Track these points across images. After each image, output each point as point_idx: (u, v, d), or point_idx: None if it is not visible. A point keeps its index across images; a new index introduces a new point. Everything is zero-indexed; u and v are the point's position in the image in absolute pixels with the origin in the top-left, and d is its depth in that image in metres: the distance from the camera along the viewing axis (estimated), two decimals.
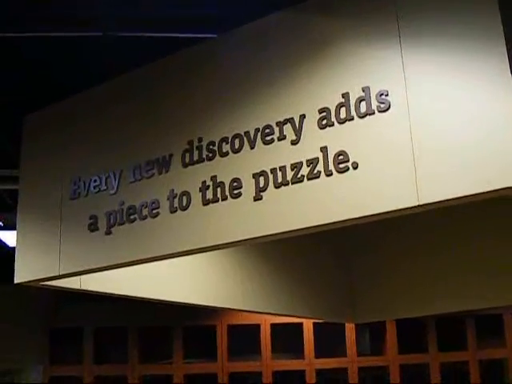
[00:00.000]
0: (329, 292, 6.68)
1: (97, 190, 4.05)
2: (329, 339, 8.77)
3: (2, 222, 6.65)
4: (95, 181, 4.07)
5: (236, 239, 3.44)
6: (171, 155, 3.76)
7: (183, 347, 8.66)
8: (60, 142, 4.41)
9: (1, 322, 9.13)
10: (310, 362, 8.62)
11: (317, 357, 8.65)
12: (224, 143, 3.57)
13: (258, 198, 3.37)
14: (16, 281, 4.44)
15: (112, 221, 3.92)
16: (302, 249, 6.29)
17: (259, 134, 3.46)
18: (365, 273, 7.00)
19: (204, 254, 5.12)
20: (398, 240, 6.93)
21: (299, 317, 6.81)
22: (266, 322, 8.62)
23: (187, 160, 3.69)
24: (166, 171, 3.76)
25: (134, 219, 3.82)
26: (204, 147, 3.64)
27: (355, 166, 3.13)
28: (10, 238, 6.79)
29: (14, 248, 4.64)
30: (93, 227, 4.01)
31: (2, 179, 5.94)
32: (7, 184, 5.98)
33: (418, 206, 2.97)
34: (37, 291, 8.86)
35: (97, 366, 8.65)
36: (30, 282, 4.39)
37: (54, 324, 8.85)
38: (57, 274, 4.18)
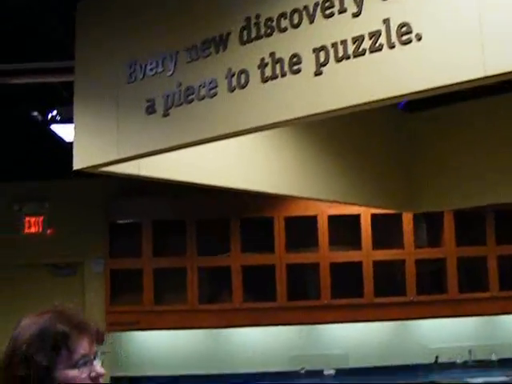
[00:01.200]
0: (387, 180, 6.61)
1: (153, 72, 3.99)
2: (386, 231, 8.74)
3: (59, 116, 6.65)
4: (151, 63, 4.00)
5: (296, 116, 3.39)
6: (228, 33, 3.67)
7: (241, 239, 8.72)
8: (114, 27, 4.35)
9: (61, 217, 9.31)
10: (367, 254, 8.63)
11: (374, 248, 8.65)
12: (282, 19, 3.46)
13: (318, 73, 3.29)
14: (75, 167, 4.46)
15: (169, 102, 3.88)
16: (360, 134, 6.22)
17: (319, 7, 3.34)
18: (424, 161, 6.90)
19: (261, 137, 5.12)
20: (459, 128, 6.79)
21: (357, 204, 6.75)
22: (323, 214, 8.60)
23: (245, 37, 3.60)
24: (224, 50, 3.68)
25: (192, 100, 3.77)
26: (262, 23, 3.54)
27: (419, 38, 3.03)
28: (66, 132, 6.78)
29: (70, 143, 4.65)
30: (150, 110, 3.97)
31: (56, 71, 5.90)
32: (63, 76, 5.95)
33: (485, 77, 2.87)
34: (96, 186, 9.02)
35: (156, 259, 8.78)
36: (88, 167, 4.41)
37: (113, 218, 8.97)
38: (115, 158, 4.18)
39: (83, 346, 2.07)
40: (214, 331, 9.06)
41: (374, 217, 8.57)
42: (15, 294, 8.99)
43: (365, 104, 3.19)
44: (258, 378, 8.81)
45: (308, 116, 3.35)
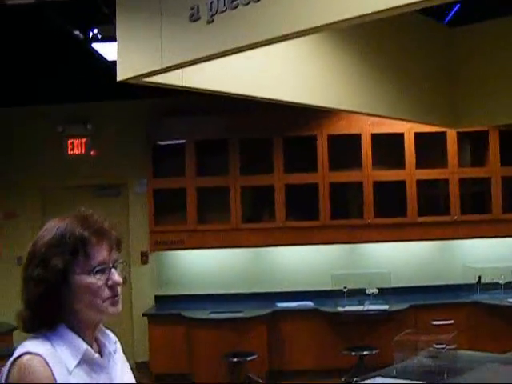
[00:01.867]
0: (433, 96, 6.53)
1: None
2: (430, 150, 8.65)
3: (100, 34, 6.58)
4: None
5: (344, 17, 3.30)
6: None
7: (283, 158, 8.67)
8: None
9: (104, 139, 9.35)
10: (410, 173, 8.55)
11: (417, 168, 8.57)
12: None
13: None
14: (118, 78, 4.44)
15: (214, 9, 3.81)
16: (408, 48, 6.13)
17: None
18: (470, 77, 6.80)
19: (307, 50, 5.04)
20: (503, 47, 6.68)
21: (403, 119, 6.65)
22: (366, 133, 8.50)
23: None
24: None
25: (237, 5, 3.70)
26: None
27: None
28: (107, 50, 6.72)
29: (112, 62, 4.61)
30: (194, 17, 3.92)
31: None
32: None
33: None
34: (139, 107, 9.03)
35: (199, 178, 8.78)
36: (132, 78, 4.39)
37: (155, 139, 8.97)
38: (159, 67, 4.15)
39: (102, 253, 2.06)
40: (257, 250, 9.11)
41: (417, 136, 8.48)
42: (59, 215, 9.06)
43: (413, 4, 3.10)
44: (300, 296, 8.88)
45: (356, 18, 3.27)
